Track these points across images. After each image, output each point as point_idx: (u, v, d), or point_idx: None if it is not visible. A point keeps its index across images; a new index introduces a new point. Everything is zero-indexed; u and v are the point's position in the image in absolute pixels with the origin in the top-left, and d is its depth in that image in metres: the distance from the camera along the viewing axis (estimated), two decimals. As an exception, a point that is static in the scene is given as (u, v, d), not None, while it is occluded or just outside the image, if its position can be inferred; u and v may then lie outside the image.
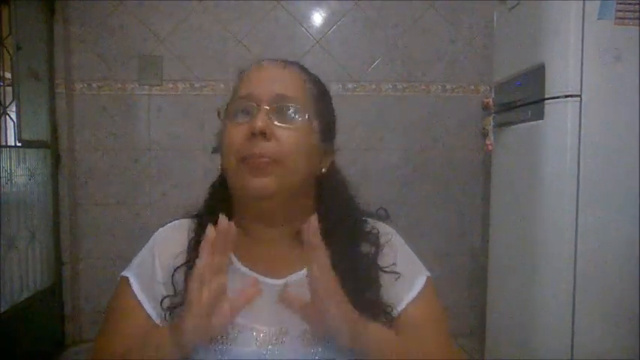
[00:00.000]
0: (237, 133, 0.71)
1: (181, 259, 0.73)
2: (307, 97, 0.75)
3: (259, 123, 0.69)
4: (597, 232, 1.54)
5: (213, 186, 0.82)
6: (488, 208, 2.18)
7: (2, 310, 1.97)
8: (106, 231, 2.54)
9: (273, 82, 0.74)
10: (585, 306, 1.55)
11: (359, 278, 0.72)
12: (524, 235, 1.75)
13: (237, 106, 0.74)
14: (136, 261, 0.77)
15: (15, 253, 2.15)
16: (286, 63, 0.78)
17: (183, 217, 0.81)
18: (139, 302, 0.72)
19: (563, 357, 1.56)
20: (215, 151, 0.80)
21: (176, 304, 0.70)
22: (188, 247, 0.75)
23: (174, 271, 0.73)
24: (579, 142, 1.54)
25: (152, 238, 0.79)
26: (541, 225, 1.64)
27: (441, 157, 2.62)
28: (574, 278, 1.55)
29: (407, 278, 0.76)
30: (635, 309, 1.54)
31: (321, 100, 0.78)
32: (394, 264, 0.76)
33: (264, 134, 0.69)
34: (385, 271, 0.75)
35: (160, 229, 0.81)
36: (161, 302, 0.71)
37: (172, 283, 0.72)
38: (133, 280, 0.74)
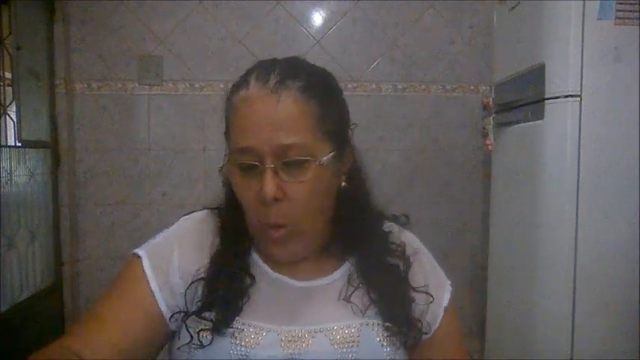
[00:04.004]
0: (248, 193, 0.67)
1: (201, 273, 0.70)
2: (314, 127, 0.66)
3: (268, 190, 0.63)
4: (597, 232, 1.54)
5: (228, 193, 0.75)
6: (489, 208, 2.18)
7: (2, 310, 1.97)
8: (106, 231, 2.54)
9: (271, 127, 0.64)
10: (585, 306, 1.55)
11: (390, 294, 0.72)
12: (524, 235, 1.75)
13: (238, 160, 0.67)
14: (151, 242, 0.74)
15: (15, 253, 2.15)
16: (282, 84, 0.65)
17: (208, 209, 0.78)
18: (145, 277, 0.70)
19: (563, 357, 1.56)
20: (225, 184, 0.75)
21: (190, 315, 0.69)
22: (212, 261, 0.71)
23: (191, 284, 0.70)
24: (579, 142, 1.54)
25: (175, 228, 0.76)
26: (541, 225, 1.64)
27: (441, 157, 2.62)
28: (574, 278, 1.55)
29: (437, 298, 0.76)
30: (635, 309, 1.53)
31: (329, 109, 0.69)
32: (426, 285, 0.75)
33: (276, 199, 0.64)
34: (418, 291, 0.74)
35: (183, 222, 0.77)
36: (171, 316, 0.69)
37: (186, 293, 0.70)
38: (144, 258, 0.71)
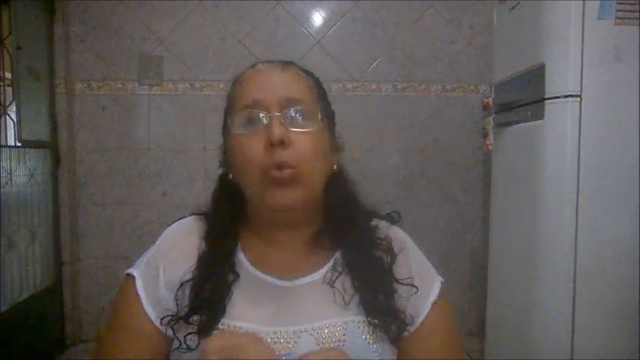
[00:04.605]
0: (252, 145, 0.68)
1: (189, 274, 0.72)
2: (312, 96, 0.73)
3: (276, 132, 0.66)
4: (597, 232, 1.54)
5: (218, 194, 0.79)
6: (489, 208, 2.18)
7: (2, 310, 1.97)
8: (106, 231, 2.54)
9: (276, 85, 0.71)
10: (585, 306, 1.55)
11: (373, 284, 0.72)
12: (524, 235, 1.75)
13: (244, 116, 0.70)
14: (142, 260, 0.76)
15: (15, 253, 2.15)
16: (283, 63, 0.75)
17: (195, 214, 0.79)
18: (140, 301, 0.71)
19: (563, 357, 1.56)
20: (223, 165, 0.77)
21: (178, 320, 0.69)
22: (198, 262, 0.72)
23: (180, 286, 0.71)
24: (579, 142, 1.54)
25: (161, 240, 0.77)
26: (541, 225, 1.64)
27: (441, 157, 2.62)
28: (574, 278, 1.55)
29: (423, 291, 0.75)
30: (635, 309, 1.54)
31: (323, 96, 0.77)
32: (410, 277, 0.74)
33: (282, 143, 0.66)
34: (402, 283, 0.74)
35: (170, 231, 0.78)
36: (162, 319, 0.70)
37: (176, 297, 0.71)
38: (137, 279, 0.73)
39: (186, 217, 0.80)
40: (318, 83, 0.77)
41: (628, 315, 1.54)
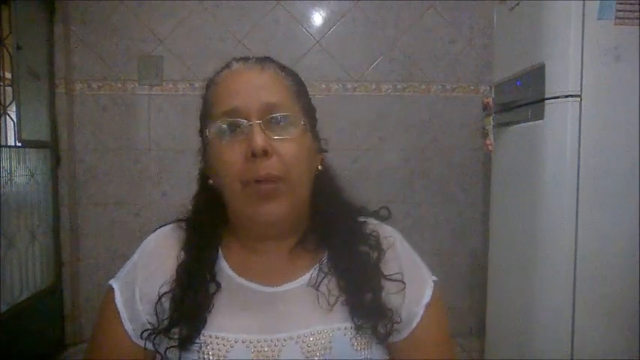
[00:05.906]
0: (234, 154, 0.66)
1: (167, 286, 0.70)
2: (292, 97, 0.71)
3: (259, 142, 0.63)
4: (597, 232, 1.54)
5: (198, 198, 0.78)
6: (489, 208, 2.18)
7: (2, 310, 1.97)
8: (106, 231, 2.54)
9: (256, 89, 0.68)
10: (585, 306, 1.55)
11: (359, 282, 0.70)
12: (524, 235, 1.75)
13: (223, 124, 0.67)
14: (123, 271, 0.74)
15: (15, 253, 2.15)
16: (261, 62, 0.72)
17: (175, 222, 0.77)
18: (119, 315, 0.70)
19: (563, 357, 1.56)
20: (203, 169, 0.75)
21: (158, 333, 0.68)
22: (177, 274, 0.70)
23: (159, 299, 0.69)
24: (579, 142, 1.53)
25: (139, 251, 0.75)
26: (541, 225, 1.64)
27: (441, 157, 2.62)
28: (574, 278, 1.55)
29: (416, 294, 0.72)
30: (635, 309, 1.53)
31: (303, 94, 0.74)
32: (399, 273, 0.72)
33: (265, 153, 0.64)
34: (389, 279, 0.71)
35: (148, 241, 0.76)
36: (142, 333, 0.69)
37: (155, 310, 0.69)
38: (117, 292, 0.72)
39: (167, 224, 0.78)
40: (296, 80, 0.74)
41: (628, 315, 1.54)
